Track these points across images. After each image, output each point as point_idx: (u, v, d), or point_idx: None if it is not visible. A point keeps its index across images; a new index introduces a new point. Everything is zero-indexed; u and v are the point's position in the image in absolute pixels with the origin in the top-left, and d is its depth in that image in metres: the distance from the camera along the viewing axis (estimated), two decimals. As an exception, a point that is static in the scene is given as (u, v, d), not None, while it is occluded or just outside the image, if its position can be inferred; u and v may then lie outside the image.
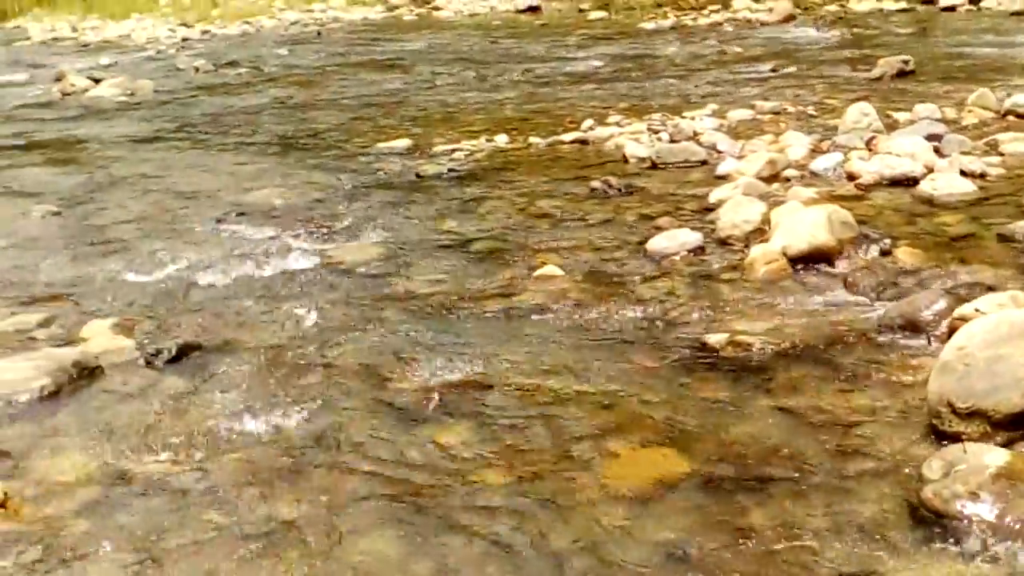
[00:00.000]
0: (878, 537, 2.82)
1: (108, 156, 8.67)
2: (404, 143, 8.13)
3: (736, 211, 5.22)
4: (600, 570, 2.78)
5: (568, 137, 7.84)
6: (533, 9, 18.96)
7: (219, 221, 6.29)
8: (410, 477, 3.27)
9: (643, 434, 3.42)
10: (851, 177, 5.98)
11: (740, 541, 2.85)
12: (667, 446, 3.35)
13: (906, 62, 9.67)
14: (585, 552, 2.85)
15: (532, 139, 7.89)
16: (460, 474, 3.26)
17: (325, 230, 5.93)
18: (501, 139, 7.94)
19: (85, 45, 19.63)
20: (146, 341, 4.35)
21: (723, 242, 5.10)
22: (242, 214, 6.39)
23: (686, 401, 3.62)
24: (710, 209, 5.58)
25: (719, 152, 6.85)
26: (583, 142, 7.72)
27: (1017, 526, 2.75)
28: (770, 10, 15.28)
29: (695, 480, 3.15)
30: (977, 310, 3.69)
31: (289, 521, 3.07)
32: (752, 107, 8.18)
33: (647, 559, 2.81)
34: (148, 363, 4.14)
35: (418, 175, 7.09)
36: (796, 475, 3.13)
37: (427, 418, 3.62)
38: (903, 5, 15.26)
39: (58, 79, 13.31)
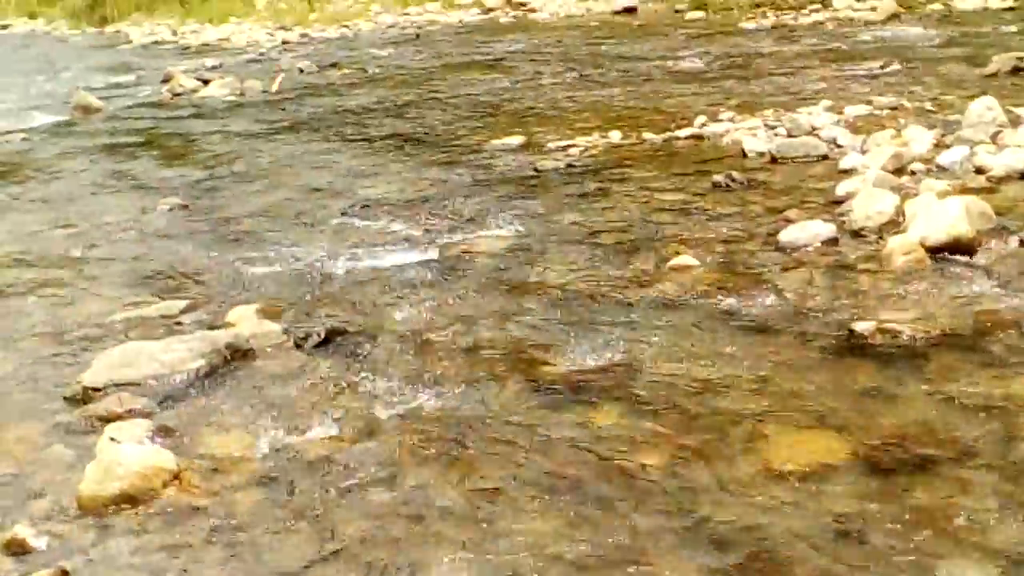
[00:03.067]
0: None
1: (225, 153, 8.85)
2: (517, 140, 8.15)
3: (869, 203, 5.18)
4: (765, 546, 2.80)
5: (683, 133, 7.78)
6: (629, 10, 18.78)
7: (344, 214, 6.40)
8: (565, 460, 3.32)
9: (800, 418, 3.44)
10: (980, 171, 5.89)
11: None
12: (826, 429, 3.35)
13: (1021, 59, 9.49)
14: (748, 531, 2.87)
15: (646, 135, 7.86)
16: (615, 457, 3.30)
17: (451, 222, 6.00)
18: (615, 135, 7.92)
19: (186, 48, 19.94)
20: (293, 326, 4.45)
21: (856, 234, 5.06)
22: (366, 207, 6.49)
23: (840, 387, 3.61)
24: (838, 202, 5.53)
25: (840, 146, 6.79)
26: (698, 137, 7.68)
27: None
28: (873, 8, 15.05)
29: (856, 463, 3.15)
30: None
31: (450, 504, 3.13)
32: (869, 103, 8.05)
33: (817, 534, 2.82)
34: (298, 346, 4.24)
35: (536, 170, 7.12)
36: (959, 459, 3.12)
37: (577, 400, 3.66)
38: (1010, 3, 14.89)
39: (166, 80, 13.57)
